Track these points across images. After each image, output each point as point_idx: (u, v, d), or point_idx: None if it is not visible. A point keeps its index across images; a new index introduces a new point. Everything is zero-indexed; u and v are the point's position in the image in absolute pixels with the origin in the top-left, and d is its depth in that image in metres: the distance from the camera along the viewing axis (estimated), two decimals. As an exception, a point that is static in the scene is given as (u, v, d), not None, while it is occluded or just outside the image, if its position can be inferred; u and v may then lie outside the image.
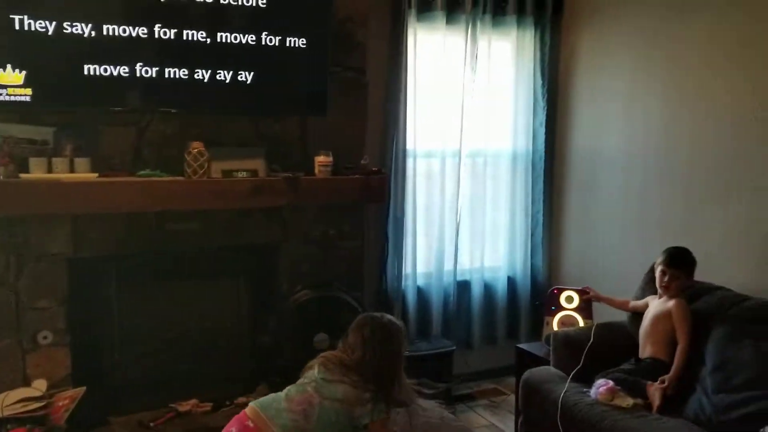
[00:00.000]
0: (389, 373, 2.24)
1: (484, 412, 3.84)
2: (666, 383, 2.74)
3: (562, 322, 3.44)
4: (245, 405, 3.22)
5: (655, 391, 2.73)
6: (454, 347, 3.87)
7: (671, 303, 2.92)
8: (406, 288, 3.98)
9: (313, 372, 2.28)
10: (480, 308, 4.21)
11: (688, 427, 2.55)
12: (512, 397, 4.02)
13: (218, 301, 3.39)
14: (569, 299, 3.46)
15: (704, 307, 2.92)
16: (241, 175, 3.15)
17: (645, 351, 2.95)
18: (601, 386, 2.81)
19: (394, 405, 2.26)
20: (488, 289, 4.25)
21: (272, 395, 2.32)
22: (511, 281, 4.31)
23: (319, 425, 2.16)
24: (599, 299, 3.37)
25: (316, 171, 3.37)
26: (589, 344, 3.04)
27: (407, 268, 3.98)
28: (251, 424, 2.19)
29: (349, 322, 3.48)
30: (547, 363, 3.24)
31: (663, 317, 2.92)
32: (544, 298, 3.69)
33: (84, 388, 2.91)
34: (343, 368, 2.24)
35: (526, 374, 3.09)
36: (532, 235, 4.32)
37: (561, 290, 3.50)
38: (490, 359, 4.33)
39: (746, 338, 2.63)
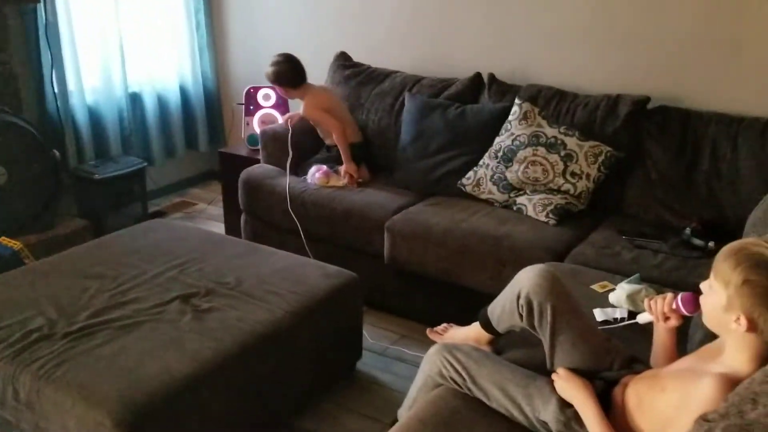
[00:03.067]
0: None
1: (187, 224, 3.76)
2: (347, 166, 3.02)
3: (263, 121, 3.46)
4: None
5: (346, 172, 3.02)
6: (146, 163, 3.62)
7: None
8: (73, 107, 3.48)
9: None
10: (156, 121, 3.94)
11: (397, 191, 2.94)
12: (203, 206, 4.04)
13: None
14: (266, 97, 3.46)
15: (389, 88, 3.23)
16: None
17: (327, 140, 3.17)
18: (316, 172, 3.00)
19: None
20: (161, 101, 3.97)
21: None
22: (183, 90, 4.08)
23: None
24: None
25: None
26: (290, 134, 3.10)
27: (71, 85, 3.45)
28: None
29: (25, 149, 2.99)
30: (253, 163, 3.27)
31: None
32: (242, 99, 3.55)
33: None
34: None
35: (245, 174, 3.09)
36: (196, 39, 4.08)
37: (257, 89, 3.47)
38: (172, 173, 4.19)
39: (434, 110, 3.02)
